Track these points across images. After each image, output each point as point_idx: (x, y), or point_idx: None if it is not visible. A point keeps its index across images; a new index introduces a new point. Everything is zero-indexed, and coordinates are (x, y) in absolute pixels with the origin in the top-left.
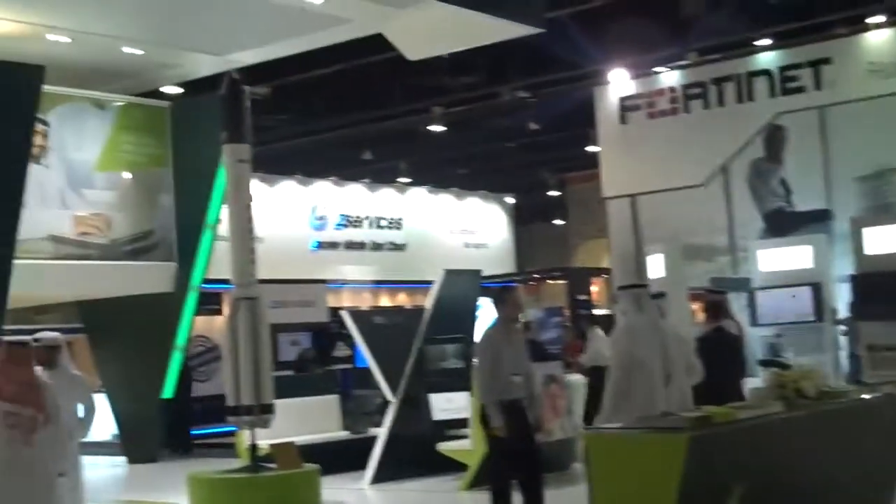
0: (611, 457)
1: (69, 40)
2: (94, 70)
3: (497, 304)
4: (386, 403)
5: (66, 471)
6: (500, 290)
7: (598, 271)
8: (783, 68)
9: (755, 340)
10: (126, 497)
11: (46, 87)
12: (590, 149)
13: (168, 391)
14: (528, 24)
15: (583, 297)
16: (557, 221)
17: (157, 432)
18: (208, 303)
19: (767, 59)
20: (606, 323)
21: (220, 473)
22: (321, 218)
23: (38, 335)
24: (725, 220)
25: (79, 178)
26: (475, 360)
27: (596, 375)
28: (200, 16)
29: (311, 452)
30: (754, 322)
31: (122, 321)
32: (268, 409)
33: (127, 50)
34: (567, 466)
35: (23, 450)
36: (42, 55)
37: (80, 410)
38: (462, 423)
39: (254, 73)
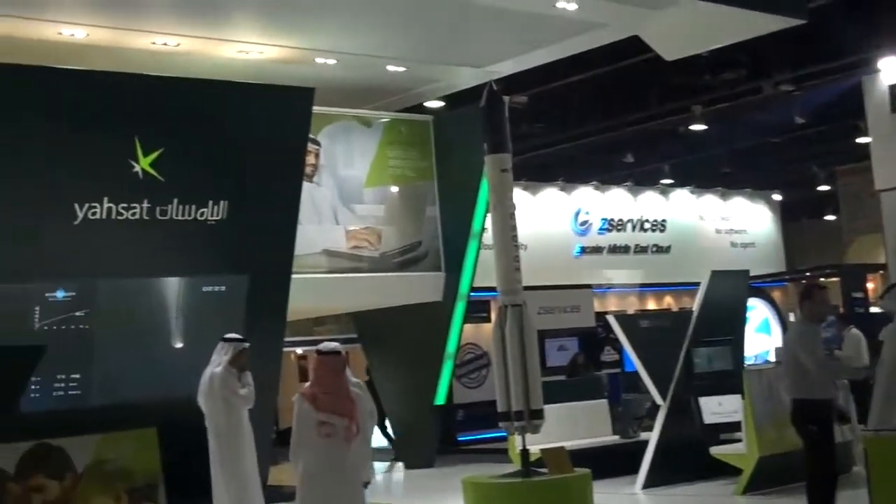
0: (892, 459)
1: (336, 62)
2: (360, 89)
3: (804, 301)
4: (656, 407)
5: (369, 479)
6: (808, 287)
7: (875, 267)
8: None
9: None
10: (405, 502)
11: (316, 108)
12: (860, 140)
13: (440, 398)
14: (789, 16)
15: (858, 295)
16: (828, 217)
17: (433, 438)
18: (476, 311)
19: None
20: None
21: (493, 478)
22: (584, 223)
23: (320, 346)
24: None
25: (349, 194)
26: (774, 359)
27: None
28: (460, 30)
29: (581, 457)
30: None
31: (394, 331)
32: (538, 415)
33: (391, 68)
34: (848, 469)
35: (336, 459)
36: (311, 77)
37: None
38: (734, 426)
39: (511, 82)
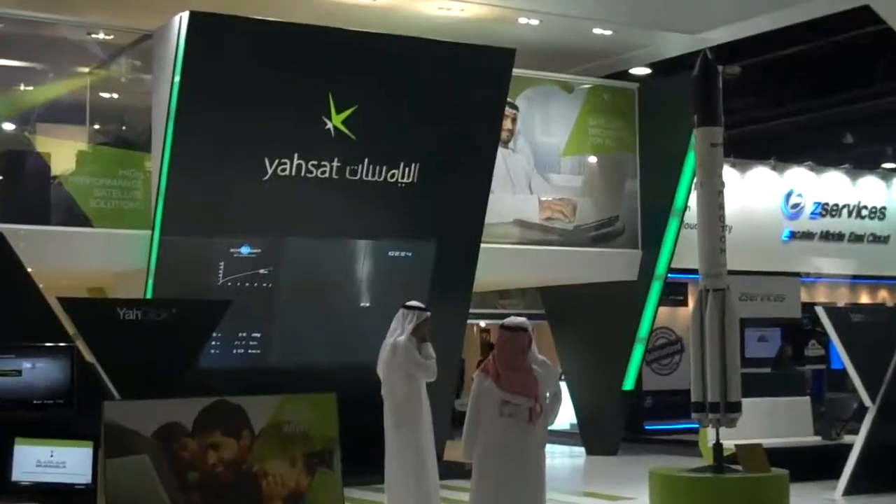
0: None
1: (539, 22)
2: (562, 52)
3: None
4: (863, 409)
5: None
6: None
7: None
8: None
9: None
10: (586, 489)
11: (516, 71)
12: None
13: (629, 383)
14: None
15: None
16: None
17: (618, 425)
18: (673, 293)
19: None
20: None
21: (682, 471)
22: (795, 206)
23: (505, 320)
24: None
25: (545, 162)
26: None
27: None
28: None
29: (778, 456)
30: None
31: (583, 309)
32: (734, 408)
33: (597, 31)
34: None
35: (517, 440)
36: (512, 38)
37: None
38: None
39: (722, 51)
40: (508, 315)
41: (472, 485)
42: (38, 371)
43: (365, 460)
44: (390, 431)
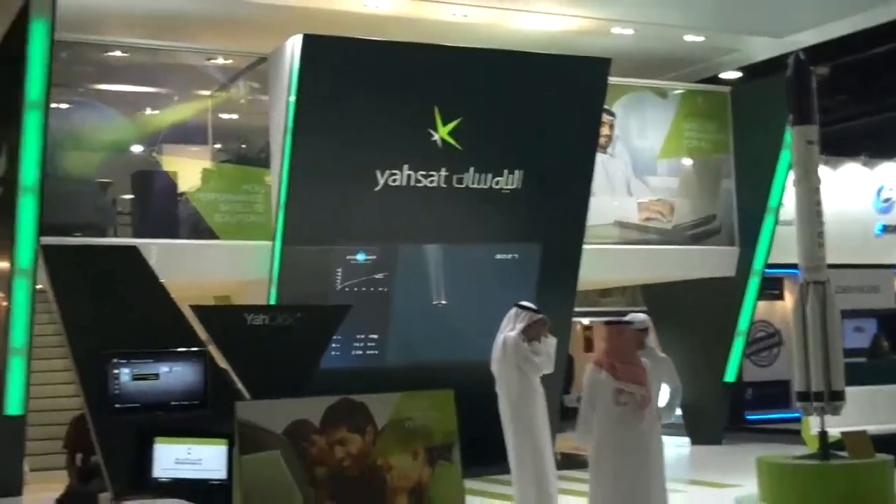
0: None
1: (632, 32)
2: (655, 59)
3: None
4: None
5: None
6: None
7: None
8: None
9: None
10: (692, 477)
11: (611, 79)
12: None
13: (731, 375)
14: None
15: None
16: None
17: (722, 415)
18: (769, 288)
19: None
20: None
21: (789, 459)
22: (887, 200)
23: (629, 317)
24: None
25: (642, 165)
26: None
27: None
28: None
29: (881, 443)
30: None
31: (683, 305)
32: (838, 396)
33: (688, 38)
34: None
35: (632, 427)
36: (606, 48)
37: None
38: None
39: (810, 52)
40: (610, 313)
41: (591, 473)
42: (174, 375)
43: (481, 453)
44: (508, 425)
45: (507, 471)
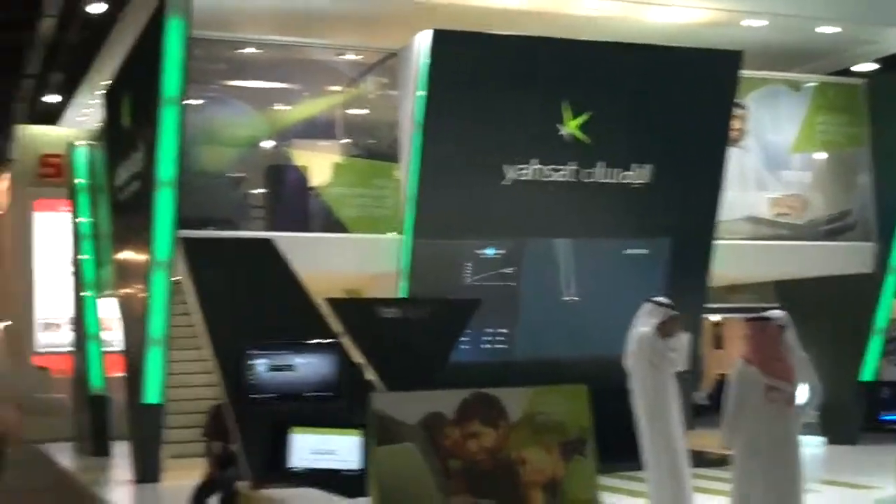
0: None
1: (765, 24)
2: (788, 52)
3: None
4: None
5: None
6: None
7: None
8: None
9: None
10: (827, 477)
11: (743, 72)
12: None
13: (867, 374)
14: None
15: None
16: None
17: (857, 415)
18: None
19: None
20: None
21: None
22: None
23: (766, 313)
24: None
25: (775, 159)
26: None
27: None
28: None
29: None
30: None
31: (817, 301)
32: None
33: (822, 30)
34: None
35: (779, 425)
36: (737, 40)
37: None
38: None
39: None
40: (739, 310)
41: (738, 471)
42: (309, 366)
43: (614, 448)
44: (642, 422)
45: (640, 467)
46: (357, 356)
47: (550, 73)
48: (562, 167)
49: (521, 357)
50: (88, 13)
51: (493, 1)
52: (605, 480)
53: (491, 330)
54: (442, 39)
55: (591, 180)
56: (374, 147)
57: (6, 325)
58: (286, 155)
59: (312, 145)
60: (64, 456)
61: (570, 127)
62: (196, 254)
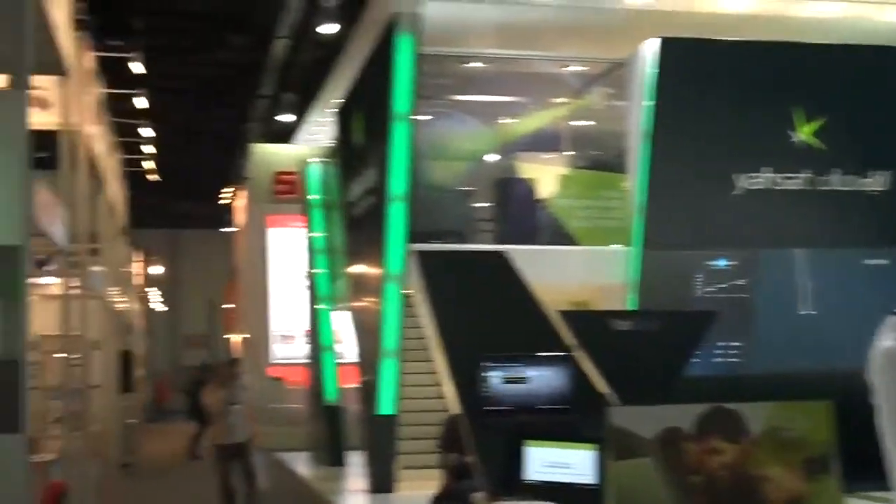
0: None
1: None
2: None
3: None
4: None
5: None
6: None
7: None
8: None
9: None
10: None
11: None
12: None
13: None
14: None
15: None
16: None
17: None
18: None
19: None
20: None
21: None
22: None
23: None
24: None
25: None
26: None
27: None
28: None
29: None
30: None
31: None
32: None
33: None
34: None
35: None
36: None
37: None
38: None
39: None
40: None
41: None
42: (542, 378)
43: (858, 468)
44: (888, 440)
45: (887, 487)
46: (589, 369)
47: (780, 78)
48: (795, 175)
49: (757, 371)
50: (319, 33)
51: (717, 7)
52: (850, 501)
53: (723, 343)
54: (669, 48)
55: (827, 188)
56: (600, 158)
57: (244, 338)
58: (512, 168)
59: (538, 158)
60: (300, 464)
61: (803, 133)
62: (430, 266)
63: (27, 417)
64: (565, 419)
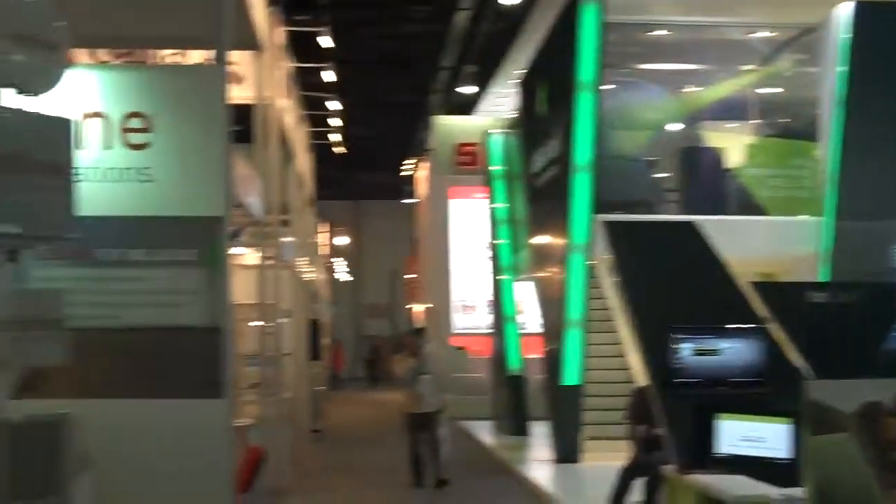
0: None
1: None
2: None
3: None
4: None
5: None
6: None
7: None
8: None
9: None
10: None
11: None
12: None
13: None
14: None
15: None
16: None
17: None
18: None
19: None
20: None
21: None
22: None
23: None
24: None
25: None
26: None
27: None
28: None
29: None
30: None
31: None
32: None
33: None
34: None
35: None
36: None
37: None
38: None
39: None
40: None
41: None
42: (734, 351)
43: None
44: None
45: None
46: (783, 341)
47: None
48: None
49: None
50: (501, 4)
51: None
52: None
53: None
54: (864, 12)
55: None
56: (789, 126)
57: (426, 308)
58: (698, 137)
59: (724, 126)
60: (484, 433)
61: None
62: (618, 237)
63: (230, 383)
64: (757, 393)
